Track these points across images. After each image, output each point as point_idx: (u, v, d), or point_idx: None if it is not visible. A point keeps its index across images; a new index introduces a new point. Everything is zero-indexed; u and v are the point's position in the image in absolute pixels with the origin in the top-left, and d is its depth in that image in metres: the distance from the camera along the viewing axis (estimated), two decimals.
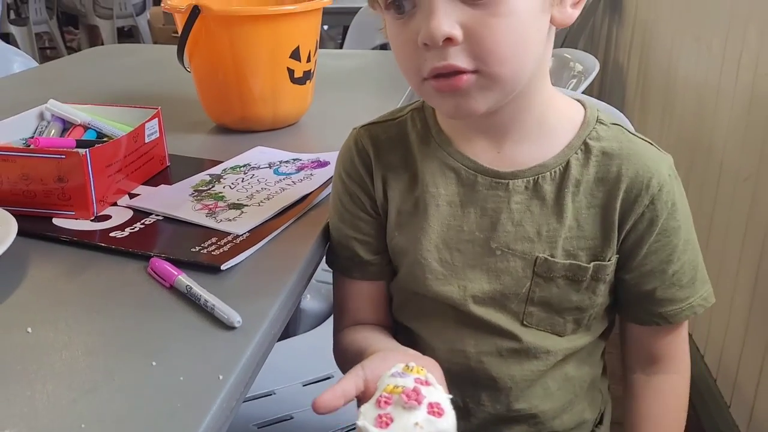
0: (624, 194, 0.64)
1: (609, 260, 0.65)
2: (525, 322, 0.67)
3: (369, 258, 0.73)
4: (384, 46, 2.25)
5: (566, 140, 0.65)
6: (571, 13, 0.61)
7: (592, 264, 0.65)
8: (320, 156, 0.95)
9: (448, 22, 0.55)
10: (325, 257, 0.77)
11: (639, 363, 0.73)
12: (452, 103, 0.60)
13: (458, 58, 0.57)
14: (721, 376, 1.49)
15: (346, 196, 0.72)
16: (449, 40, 0.56)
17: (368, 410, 0.50)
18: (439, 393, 0.51)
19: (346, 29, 2.45)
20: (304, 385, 1.08)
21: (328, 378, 1.08)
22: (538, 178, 0.64)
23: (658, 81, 2.10)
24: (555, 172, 0.64)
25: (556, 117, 0.66)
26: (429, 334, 0.71)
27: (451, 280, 0.68)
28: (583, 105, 0.68)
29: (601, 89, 2.82)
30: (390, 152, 0.70)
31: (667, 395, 0.72)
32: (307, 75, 1.09)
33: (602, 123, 0.66)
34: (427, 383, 0.51)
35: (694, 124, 1.70)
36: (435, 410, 0.49)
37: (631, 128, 0.69)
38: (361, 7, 2.22)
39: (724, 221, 1.49)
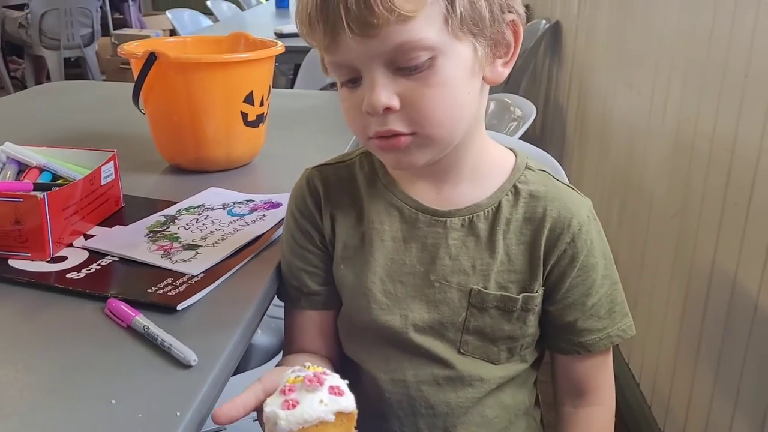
0: (548, 232, 0.71)
1: (536, 292, 0.72)
2: (462, 350, 0.73)
3: (316, 288, 0.78)
4: (334, 85, 2.32)
5: (498, 183, 0.73)
6: (502, 72, 0.68)
7: (521, 296, 0.72)
8: (272, 197, 0.99)
9: (386, 93, 0.62)
10: (276, 291, 0.81)
11: (567, 395, 0.79)
12: (394, 158, 0.68)
13: (396, 124, 0.64)
14: (655, 402, 1.58)
15: (297, 231, 0.78)
16: (388, 109, 0.63)
17: (273, 399, 0.55)
18: (337, 379, 0.56)
19: (298, 66, 2.51)
20: (254, 420, 1.10)
21: None
22: (473, 216, 0.72)
23: (594, 122, 2.23)
24: (488, 211, 0.72)
25: (490, 163, 0.74)
26: (372, 365, 0.76)
27: (393, 309, 0.73)
28: (514, 152, 0.76)
29: (543, 128, 2.95)
30: (339, 191, 0.77)
31: (592, 427, 0.77)
32: (260, 118, 1.13)
33: (530, 169, 0.74)
34: (324, 374, 0.55)
35: (627, 165, 1.81)
36: (336, 391, 0.54)
37: (560, 173, 0.78)
38: (312, 48, 2.29)
39: (654, 256, 1.58)
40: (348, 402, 0.54)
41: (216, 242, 0.86)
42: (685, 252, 1.41)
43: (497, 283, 0.72)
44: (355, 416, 0.55)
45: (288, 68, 3.67)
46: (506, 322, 0.72)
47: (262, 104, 1.12)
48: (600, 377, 0.77)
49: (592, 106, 2.26)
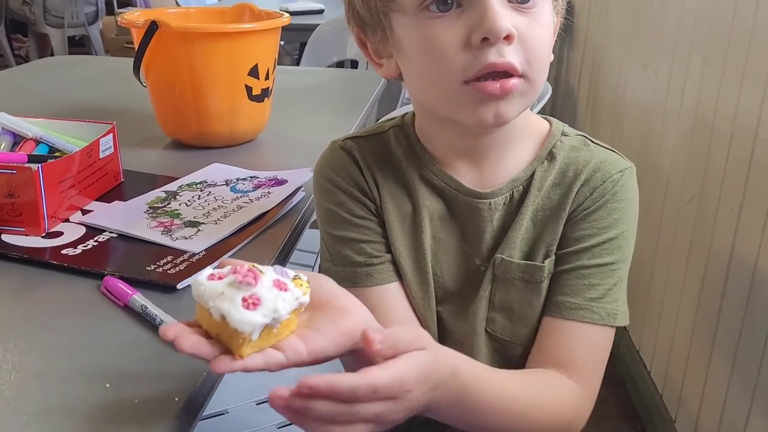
0: (577, 191, 0.66)
1: (555, 254, 0.67)
2: (488, 329, 0.68)
3: (388, 256, 0.69)
4: (341, 64, 2.27)
5: (533, 152, 0.68)
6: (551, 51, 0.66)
7: (546, 262, 0.66)
8: (278, 174, 0.95)
9: (507, 19, 0.57)
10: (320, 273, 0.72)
11: (538, 364, 0.67)
12: (493, 110, 0.60)
13: (513, 57, 0.58)
14: (667, 391, 1.54)
15: (350, 201, 0.69)
16: (508, 38, 0.57)
17: (224, 268, 0.49)
18: (274, 297, 0.47)
19: (303, 44, 2.46)
20: (257, 404, 1.07)
21: None
22: (513, 192, 0.67)
23: (607, 103, 2.18)
24: (525, 184, 0.67)
25: (528, 134, 0.69)
26: None
27: (438, 291, 0.69)
28: (549, 121, 0.72)
29: (553, 109, 2.89)
30: (379, 163, 0.70)
31: (554, 386, 0.64)
32: (265, 92, 1.09)
33: (566, 135, 0.70)
34: (282, 289, 0.48)
35: (641, 147, 1.76)
36: (249, 302, 0.46)
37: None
38: (318, 24, 2.24)
39: (669, 240, 1.54)
40: (247, 316, 0.46)
41: (218, 219, 0.82)
42: (702, 237, 1.37)
43: (522, 251, 0.67)
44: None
45: (293, 48, 3.62)
46: (536, 296, 0.67)
47: (267, 78, 1.07)
48: (578, 356, 0.66)
49: (605, 87, 2.21)
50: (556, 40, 0.66)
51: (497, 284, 0.67)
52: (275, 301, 0.47)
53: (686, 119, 1.48)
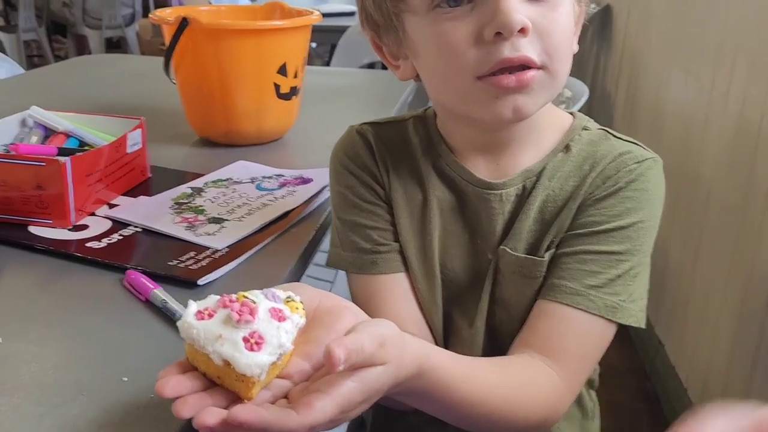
0: (591, 179, 0.63)
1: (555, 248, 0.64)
2: (489, 322, 0.66)
3: (394, 244, 0.67)
4: (372, 65, 2.26)
5: (552, 145, 0.66)
6: (575, 44, 0.63)
7: (546, 254, 0.63)
8: (303, 173, 0.95)
9: (521, 11, 0.55)
10: (329, 260, 0.70)
11: (524, 346, 0.63)
12: (510, 104, 0.58)
13: (529, 50, 0.56)
14: None
15: (359, 186, 0.68)
16: (522, 31, 0.55)
17: (209, 300, 0.45)
18: (275, 330, 0.43)
19: (333, 47, 2.46)
20: None
21: None
22: (525, 183, 0.65)
23: (645, 109, 2.13)
24: (539, 174, 0.65)
25: (550, 128, 0.67)
26: None
27: (448, 285, 0.67)
28: (574, 115, 0.69)
29: (588, 115, 2.85)
30: (393, 149, 0.69)
31: (533, 382, 0.60)
32: (294, 91, 1.08)
33: (587, 129, 0.67)
34: (280, 319, 0.44)
35: (681, 155, 1.71)
36: (252, 341, 0.42)
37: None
38: (349, 26, 2.24)
39: (710, 253, 1.50)
40: (248, 360, 0.42)
41: (242, 216, 0.82)
42: (745, 249, 1.32)
43: (527, 243, 0.64)
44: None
45: (324, 50, 3.63)
46: (533, 292, 0.63)
47: (295, 76, 1.07)
48: (566, 344, 0.61)
49: (644, 93, 2.16)
50: (591, 43, 0.64)
51: (499, 277, 0.65)
52: (278, 336, 0.43)
53: (730, 126, 1.43)
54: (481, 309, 0.66)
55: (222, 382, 0.44)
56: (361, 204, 0.68)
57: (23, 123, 0.95)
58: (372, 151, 0.69)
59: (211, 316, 0.44)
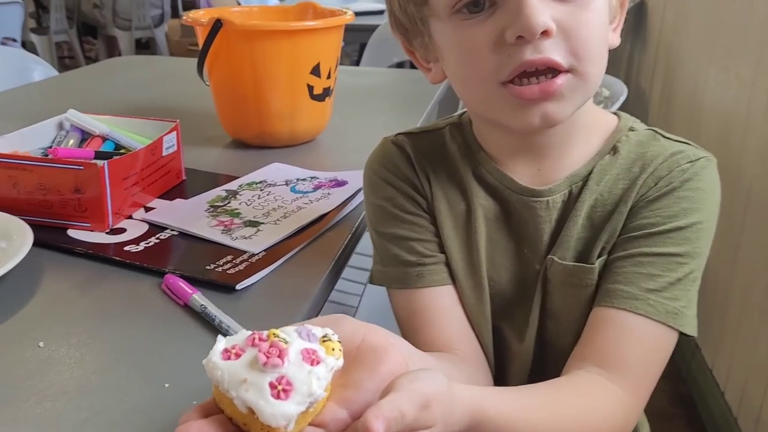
0: (642, 181, 0.60)
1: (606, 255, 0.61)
2: (539, 337, 0.64)
3: (441, 256, 0.64)
4: (401, 65, 2.25)
5: (597, 147, 0.63)
6: (615, 38, 0.61)
7: (597, 261, 0.60)
8: (338, 175, 0.94)
9: (545, 13, 0.52)
10: (371, 278, 0.68)
11: (580, 361, 0.59)
12: (538, 112, 0.56)
13: (554, 52, 0.53)
14: (742, 413, 1.46)
15: (400, 197, 0.66)
16: (545, 33, 0.52)
17: (239, 336, 0.42)
18: (306, 376, 0.40)
19: (362, 46, 2.46)
20: None
21: None
22: (572, 188, 0.62)
23: (682, 107, 2.09)
24: (585, 178, 0.62)
25: (593, 129, 0.64)
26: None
27: (494, 298, 0.65)
28: (618, 116, 0.66)
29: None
30: (432, 160, 0.66)
31: (597, 407, 0.56)
32: (327, 92, 1.08)
33: (634, 130, 0.64)
34: (313, 363, 0.40)
35: (720, 155, 1.65)
36: (279, 387, 0.39)
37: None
38: (378, 25, 2.22)
39: (750, 252, 1.46)
40: (273, 410, 0.39)
41: (278, 220, 0.81)
42: None
43: (576, 251, 0.61)
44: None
45: (353, 49, 3.62)
46: (585, 303, 0.61)
47: (329, 77, 1.06)
48: (624, 354, 0.57)
49: (680, 91, 2.12)
50: (625, 40, 0.61)
51: (548, 288, 0.62)
52: (309, 383, 0.39)
53: None
54: (532, 322, 0.64)
55: (248, 430, 0.40)
56: (402, 216, 0.65)
57: (60, 126, 0.96)
58: (411, 162, 0.66)
59: (238, 355, 0.40)
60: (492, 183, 0.64)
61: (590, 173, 0.62)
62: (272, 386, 0.39)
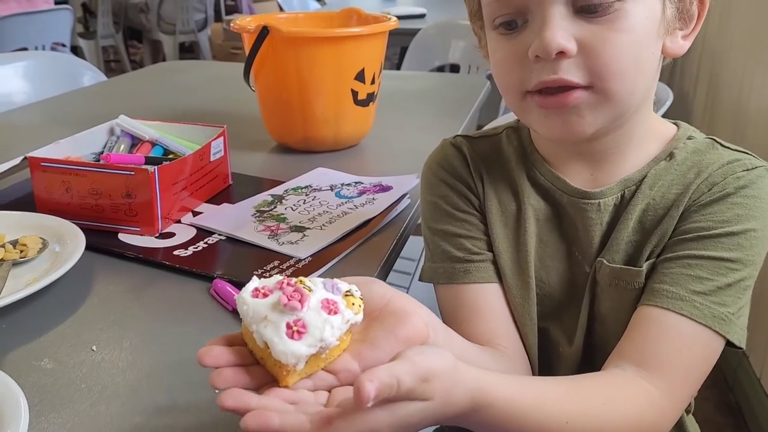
0: (696, 186, 0.60)
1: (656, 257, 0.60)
2: (586, 340, 0.64)
3: (488, 253, 0.65)
4: (441, 68, 2.24)
5: (654, 154, 0.63)
6: (682, 45, 0.60)
7: (645, 264, 0.60)
8: (382, 180, 0.94)
9: (562, 34, 0.54)
10: (421, 275, 0.69)
11: (618, 358, 0.58)
12: (559, 123, 0.58)
13: (570, 72, 0.55)
14: None
15: (454, 195, 0.68)
16: (562, 53, 0.54)
17: (272, 280, 0.45)
18: (322, 323, 0.42)
19: (403, 50, 2.46)
20: None
21: None
22: (624, 192, 0.63)
23: (727, 112, 2.03)
24: (639, 182, 0.62)
25: (652, 137, 0.64)
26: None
27: (543, 300, 0.65)
28: (678, 125, 0.66)
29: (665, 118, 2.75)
30: (487, 162, 0.68)
31: (617, 389, 0.55)
32: (371, 97, 1.08)
33: (693, 137, 0.64)
34: (331, 312, 0.43)
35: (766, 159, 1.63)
36: (294, 328, 0.42)
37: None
38: (420, 29, 2.22)
39: None
40: (287, 348, 0.41)
41: (324, 225, 0.82)
42: None
43: (626, 254, 0.61)
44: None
45: (393, 52, 3.62)
46: (630, 305, 0.60)
47: (373, 82, 1.07)
48: (668, 356, 0.56)
49: (725, 96, 2.06)
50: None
51: (597, 291, 0.62)
52: (322, 329, 0.42)
53: None
54: (581, 325, 0.63)
55: (264, 363, 0.44)
56: (454, 213, 0.67)
57: (111, 131, 0.98)
58: (466, 162, 0.68)
59: (266, 295, 0.44)
60: (545, 185, 0.65)
61: (644, 178, 0.62)
62: (288, 326, 0.42)
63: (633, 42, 0.55)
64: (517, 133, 0.69)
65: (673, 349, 0.56)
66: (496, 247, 0.65)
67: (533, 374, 0.65)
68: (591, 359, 0.64)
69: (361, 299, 0.45)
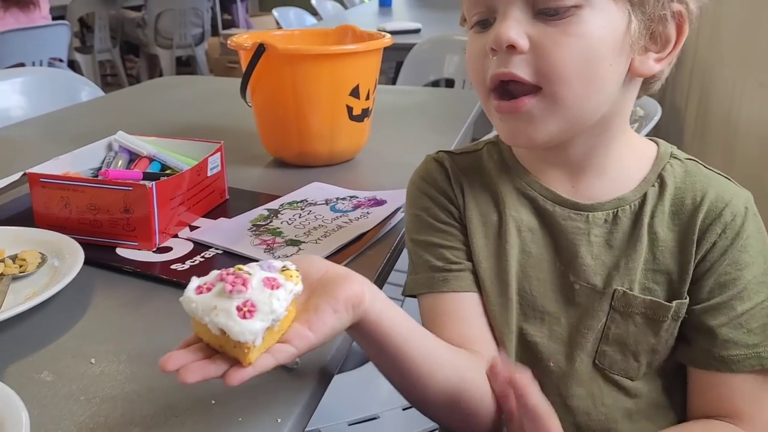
0: (701, 223, 0.62)
1: (686, 298, 0.63)
2: (597, 362, 0.65)
3: (465, 263, 0.67)
4: (436, 83, 2.26)
5: (641, 175, 0.65)
6: (653, 67, 0.61)
7: (674, 303, 0.63)
8: (377, 194, 0.95)
9: (516, 30, 0.57)
10: (404, 289, 0.71)
11: (703, 415, 0.65)
12: (511, 127, 0.61)
13: (518, 68, 0.57)
14: None
15: (435, 207, 0.70)
16: (512, 48, 0.57)
17: (210, 275, 0.48)
18: (267, 297, 0.46)
19: (398, 65, 2.48)
20: (349, 425, 1.07)
21: (374, 418, 1.07)
22: (617, 211, 0.64)
23: (718, 127, 2.06)
24: (633, 205, 0.64)
25: (633, 156, 0.66)
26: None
27: (527, 310, 0.66)
28: (657, 143, 0.68)
29: (656, 133, 2.77)
30: (469, 175, 0.70)
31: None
32: (366, 113, 1.10)
33: (676, 158, 0.66)
34: (273, 287, 0.47)
35: (757, 175, 1.64)
36: (244, 309, 0.45)
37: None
38: (414, 44, 2.25)
39: None
40: (241, 327, 0.45)
41: (319, 239, 0.83)
42: None
43: (641, 284, 0.63)
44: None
45: (389, 66, 3.66)
46: (653, 333, 0.63)
47: (368, 98, 1.08)
48: (746, 404, 0.62)
49: (716, 109, 2.09)
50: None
51: (615, 317, 0.64)
52: (270, 303, 0.46)
53: None
54: (588, 348, 0.64)
55: (223, 351, 0.47)
56: (435, 224, 0.69)
57: (109, 147, 0.99)
58: (448, 175, 0.70)
59: (209, 289, 0.47)
60: (530, 194, 0.67)
61: (642, 204, 0.64)
62: (238, 309, 0.45)
63: (584, 48, 0.57)
64: (497, 147, 0.71)
65: (754, 399, 0.62)
66: (477, 257, 0.67)
67: None
68: (594, 379, 0.65)
69: (297, 271, 0.50)
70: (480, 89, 0.63)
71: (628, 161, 0.66)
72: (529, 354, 0.66)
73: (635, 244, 0.63)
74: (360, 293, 0.51)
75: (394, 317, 0.54)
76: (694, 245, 0.62)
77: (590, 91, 0.59)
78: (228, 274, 0.47)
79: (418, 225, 0.70)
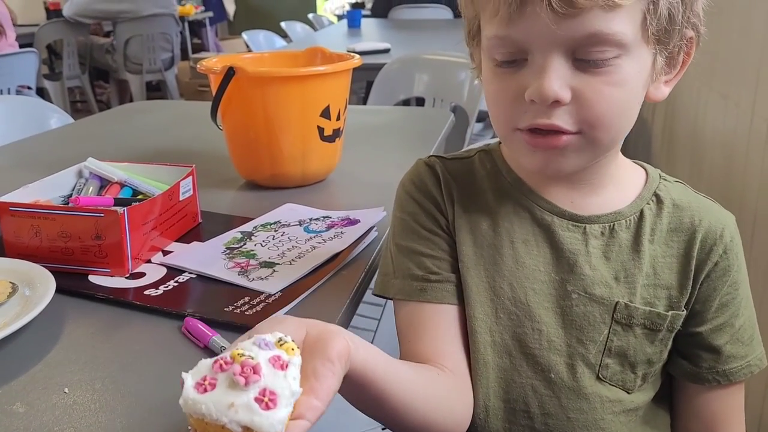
0: (700, 244, 0.65)
1: (683, 310, 0.66)
2: (600, 376, 0.65)
3: (447, 275, 0.67)
4: (407, 102, 2.29)
5: (635, 192, 0.68)
6: (664, 91, 0.64)
7: (670, 313, 0.65)
8: (350, 214, 0.96)
9: (560, 83, 0.56)
10: (380, 287, 0.71)
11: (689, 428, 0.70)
12: (542, 160, 0.61)
13: (562, 119, 0.58)
14: None
15: (421, 214, 0.69)
16: (557, 102, 0.57)
17: (202, 367, 0.44)
18: (284, 380, 0.43)
19: (369, 84, 2.50)
20: None
21: None
22: (614, 224, 0.66)
23: (684, 138, 2.11)
24: (630, 220, 0.66)
25: (626, 174, 0.69)
26: (485, 385, 0.66)
27: (523, 321, 0.65)
28: (642, 166, 0.72)
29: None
30: (459, 183, 0.70)
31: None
32: (337, 133, 1.11)
33: (665, 179, 0.69)
34: (283, 367, 0.44)
35: (724, 185, 1.68)
36: (265, 399, 0.42)
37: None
38: (384, 64, 2.27)
39: (760, 281, 1.46)
40: (269, 420, 0.41)
41: (293, 260, 0.83)
42: None
43: (643, 297, 0.65)
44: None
45: (359, 86, 3.68)
46: (649, 343, 0.66)
47: (338, 119, 1.09)
48: (733, 412, 0.69)
49: (682, 121, 2.14)
50: None
51: (617, 330, 0.65)
52: (289, 386, 0.43)
53: None
54: (591, 361, 0.66)
55: None
56: (420, 231, 0.69)
57: (80, 174, 0.98)
58: (438, 181, 0.70)
59: (212, 385, 0.43)
60: (527, 205, 0.68)
61: (641, 220, 0.66)
62: (258, 401, 0.42)
63: (624, 95, 0.59)
64: (490, 155, 0.72)
65: (736, 409, 0.69)
66: (465, 267, 0.67)
67: (486, 394, 0.66)
68: (596, 392, 0.65)
69: (293, 341, 0.47)
70: (502, 125, 0.62)
71: (622, 179, 0.68)
72: (530, 365, 0.66)
73: (635, 258, 0.65)
74: (346, 347, 0.49)
75: (375, 360, 0.53)
76: (694, 262, 0.65)
77: (623, 130, 0.62)
78: (228, 364, 0.43)
79: (403, 229, 0.70)
